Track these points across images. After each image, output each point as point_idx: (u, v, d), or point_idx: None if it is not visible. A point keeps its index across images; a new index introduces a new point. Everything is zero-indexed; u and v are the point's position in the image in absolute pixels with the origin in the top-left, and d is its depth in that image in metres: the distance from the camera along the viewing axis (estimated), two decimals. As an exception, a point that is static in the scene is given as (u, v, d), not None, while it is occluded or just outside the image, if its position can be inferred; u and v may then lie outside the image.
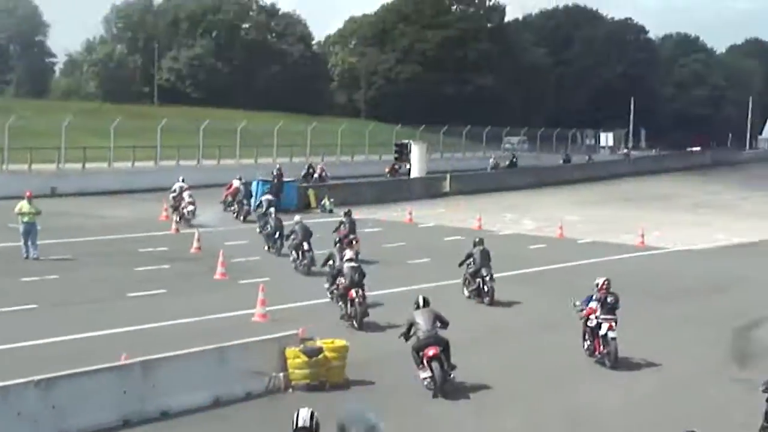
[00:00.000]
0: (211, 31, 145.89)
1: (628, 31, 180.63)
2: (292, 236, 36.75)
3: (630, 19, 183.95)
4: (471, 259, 32.77)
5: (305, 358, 21.46)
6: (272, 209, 43.38)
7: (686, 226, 57.83)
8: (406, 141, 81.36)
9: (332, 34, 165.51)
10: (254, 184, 57.62)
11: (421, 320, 22.07)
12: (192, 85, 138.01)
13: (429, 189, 72.11)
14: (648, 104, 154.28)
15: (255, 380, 21.06)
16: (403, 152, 79.02)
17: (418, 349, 21.86)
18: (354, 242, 37.20)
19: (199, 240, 40.75)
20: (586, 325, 24.77)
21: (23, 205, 37.38)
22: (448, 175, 76.03)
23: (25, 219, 37.03)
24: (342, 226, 39.03)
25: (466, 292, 32.96)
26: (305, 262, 36.33)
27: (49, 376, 17.90)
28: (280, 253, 40.12)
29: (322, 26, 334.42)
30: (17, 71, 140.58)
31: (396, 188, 70.19)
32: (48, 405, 17.57)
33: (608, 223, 58.34)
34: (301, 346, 21.79)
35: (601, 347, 24.25)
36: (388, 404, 20.21)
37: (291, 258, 37.04)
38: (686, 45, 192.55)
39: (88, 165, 70.30)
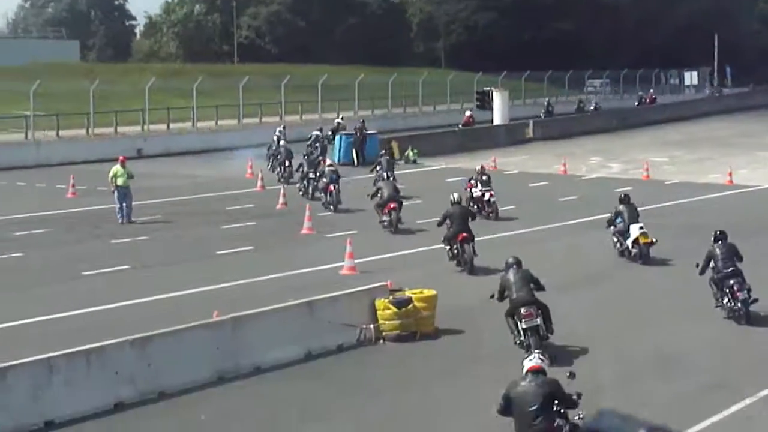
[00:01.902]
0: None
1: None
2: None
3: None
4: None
5: (395, 309, 21.54)
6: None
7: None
8: (488, 88, 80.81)
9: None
10: (337, 137, 57.80)
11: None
12: (271, 41, 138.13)
13: (512, 136, 71.71)
14: (733, 41, 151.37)
15: (346, 333, 21.17)
16: (484, 100, 78.53)
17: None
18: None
19: (284, 196, 40.92)
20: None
21: (117, 170, 37.38)
22: (531, 121, 75.59)
23: (119, 183, 37.11)
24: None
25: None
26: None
27: (144, 335, 18.17)
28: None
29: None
30: (99, 36, 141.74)
31: (479, 136, 69.84)
32: (144, 363, 17.84)
33: (695, 164, 57.79)
34: (390, 297, 21.87)
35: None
36: (479, 352, 20.26)
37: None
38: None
39: (172, 126, 70.80)
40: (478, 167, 40.37)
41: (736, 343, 21.89)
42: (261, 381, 19.16)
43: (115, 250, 32.24)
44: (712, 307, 23.32)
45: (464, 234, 28.42)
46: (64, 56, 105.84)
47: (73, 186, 44.56)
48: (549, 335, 20.52)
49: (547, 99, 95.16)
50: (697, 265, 23.86)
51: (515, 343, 20.41)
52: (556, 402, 13.12)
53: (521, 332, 20.37)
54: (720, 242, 23.66)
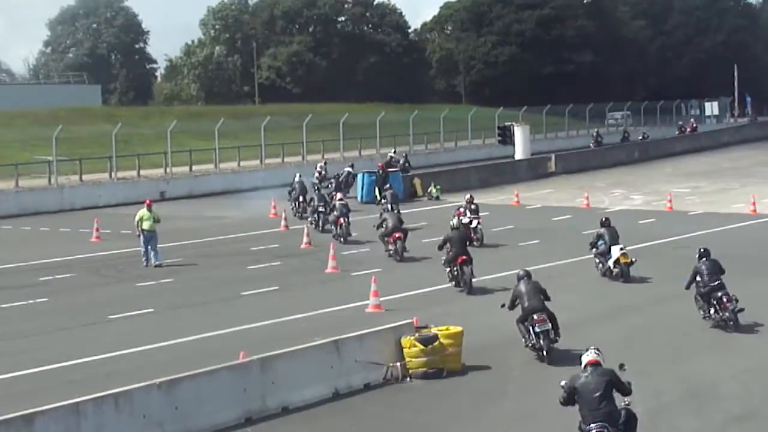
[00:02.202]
0: (307, 26, 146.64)
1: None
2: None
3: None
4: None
5: (421, 347, 21.49)
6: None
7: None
8: (509, 123, 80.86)
9: (428, 21, 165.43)
10: (360, 175, 57.91)
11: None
12: (292, 81, 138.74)
13: (534, 170, 71.77)
14: (752, 71, 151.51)
15: (373, 371, 21.13)
16: (506, 135, 78.59)
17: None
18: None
19: (308, 235, 40.99)
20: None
21: (143, 214, 37.34)
22: (552, 155, 75.63)
23: (145, 226, 37.03)
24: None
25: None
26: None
27: (171, 378, 18.15)
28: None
29: (418, 14, 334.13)
30: (120, 79, 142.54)
31: (501, 171, 69.91)
32: (171, 406, 17.82)
33: (718, 194, 57.65)
34: (417, 334, 21.83)
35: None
36: (506, 388, 20.18)
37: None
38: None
39: (194, 167, 71.04)
40: (468, 196, 42.55)
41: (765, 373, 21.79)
42: (289, 421, 19.13)
43: (141, 293, 32.29)
44: (740, 337, 23.29)
45: (463, 257, 30.78)
46: (86, 101, 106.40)
47: (97, 230, 44.70)
48: (557, 338, 22.81)
49: (596, 130, 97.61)
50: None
51: (526, 346, 22.86)
52: (615, 389, 15.48)
53: (533, 336, 22.68)
54: (705, 259, 25.67)
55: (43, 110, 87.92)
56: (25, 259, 39.21)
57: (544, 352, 22.45)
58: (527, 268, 24.37)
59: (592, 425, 17.25)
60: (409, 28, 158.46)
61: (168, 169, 67.77)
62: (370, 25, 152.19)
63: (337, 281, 33.57)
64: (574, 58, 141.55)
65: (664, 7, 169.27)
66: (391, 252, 36.78)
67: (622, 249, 32.32)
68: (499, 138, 79.71)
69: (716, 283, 24.99)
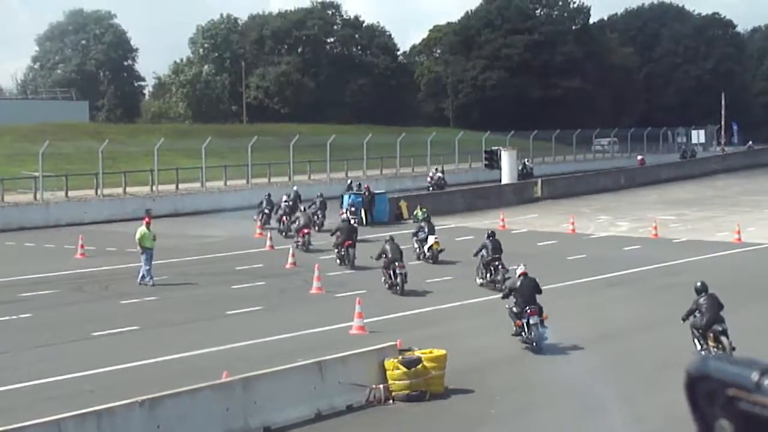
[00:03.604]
0: (296, 47, 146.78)
1: (716, 26, 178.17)
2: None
3: (717, 13, 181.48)
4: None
5: (404, 369, 21.49)
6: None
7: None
8: (496, 148, 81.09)
9: (417, 43, 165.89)
10: (345, 197, 57.93)
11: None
12: (280, 101, 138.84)
13: (520, 194, 71.90)
14: (739, 99, 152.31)
15: (355, 393, 21.13)
16: (492, 159, 78.79)
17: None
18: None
19: (293, 255, 40.99)
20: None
21: (143, 232, 37.12)
22: (539, 180, 75.82)
23: (147, 244, 36.87)
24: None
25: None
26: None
27: (153, 396, 18.13)
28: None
29: (407, 36, 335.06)
30: (108, 96, 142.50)
31: (487, 195, 70.02)
32: (153, 425, 17.79)
33: (703, 221, 57.79)
34: (400, 357, 21.83)
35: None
36: (488, 412, 20.18)
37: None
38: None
39: (180, 186, 70.99)
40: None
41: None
42: (270, 442, 19.10)
43: (125, 310, 32.24)
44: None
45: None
46: (73, 117, 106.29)
47: (82, 246, 44.64)
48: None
49: (641, 156, 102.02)
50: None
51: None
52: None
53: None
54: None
55: (30, 126, 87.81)
56: (9, 274, 39.11)
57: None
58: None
59: (527, 309, 25.97)
60: (398, 50, 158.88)
61: (154, 187, 67.75)
62: (359, 47, 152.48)
63: (322, 302, 33.56)
64: (562, 84, 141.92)
65: (653, 35, 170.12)
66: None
67: (435, 238, 41.72)
68: (486, 162, 79.92)
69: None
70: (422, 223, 44.20)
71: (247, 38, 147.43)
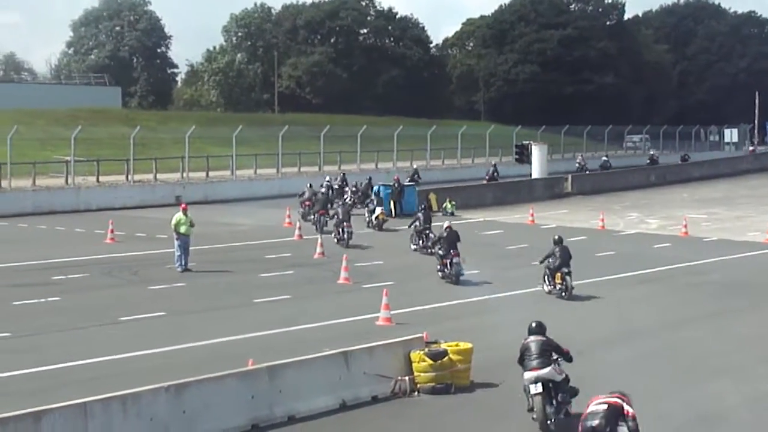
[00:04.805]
0: (329, 37, 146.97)
1: (752, 25, 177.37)
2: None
3: (753, 12, 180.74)
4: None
5: (430, 362, 21.45)
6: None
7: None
8: (527, 142, 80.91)
9: (450, 36, 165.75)
10: (376, 188, 57.91)
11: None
12: (312, 91, 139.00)
13: (550, 190, 71.74)
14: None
15: (381, 384, 21.11)
16: (523, 153, 78.62)
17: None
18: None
19: (322, 245, 41.01)
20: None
21: (180, 218, 37.04)
22: (569, 176, 75.66)
23: (182, 231, 36.85)
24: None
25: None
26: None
27: (179, 382, 18.14)
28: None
29: (440, 29, 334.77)
30: (140, 83, 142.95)
31: (517, 190, 69.90)
32: (179, 410, 17.80)
33: (734, 221, 57.50)
34: (426, 349, 21.79)
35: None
36: (513, 407, 20.13)
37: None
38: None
39: (211, 173, 71.13)
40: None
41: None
42: (295, 431, 19.10)
43: (153, 296, 32.32)
44: (753, 364, 23.19)
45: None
46: (106, 102, 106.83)
47: (112, 231, 44.83)
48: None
49: (685, 154, 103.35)
50: None
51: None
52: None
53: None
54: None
55: (63, 110, 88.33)
56: (39, 257, 39.35)
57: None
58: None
59: (451, 251, 34.05)
60: (431, 42, 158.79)
61: (184, 174, 67.90)
62: (391, 38, 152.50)
63: (349, 292, 33.56)
64: (595, 79, 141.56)
65: (688, 32, 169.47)
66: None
67: (382, 209, 50.76)
68: (517, 156, 79.75)
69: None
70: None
71: (280, 27, 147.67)
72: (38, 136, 74.91)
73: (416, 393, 21.37)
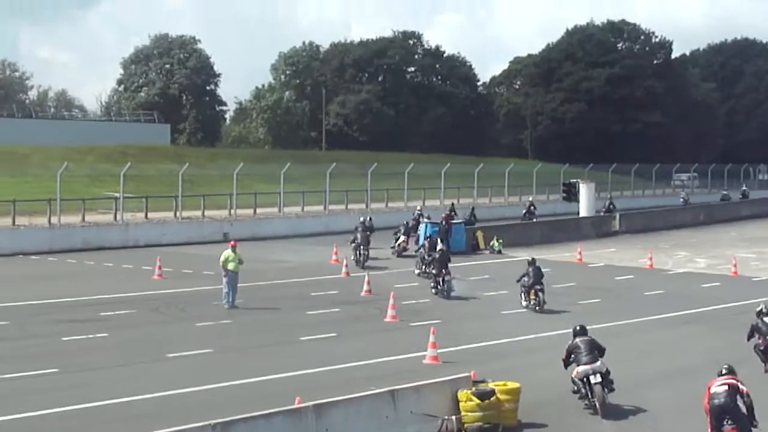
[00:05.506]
0: (377, 75, 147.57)
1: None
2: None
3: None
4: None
5: (477, 401, 21.35)
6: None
7: None
8: (574, 180, 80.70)
9: (497, 74, 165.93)
10: (422, 225, 57.87)
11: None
12: (359, 129, 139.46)
13: (598, 228, 71.45)
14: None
15: (427, 423, 21.02)
16: (571, 191, 78.40)
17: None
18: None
19: (369, 283, 41.00)
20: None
21: (228, 255, 37.29)
22: (617, 214, 75.38)
23: (230, 267, 37.04)
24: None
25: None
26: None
27: (226, 420, 18.13)
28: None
29: (487, 67, 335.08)
30: (189, 120, 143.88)
31: (565, 228, 69.67)
32: (225, 448, 17.80)
33: (784, 260, 57.04)
34: (474, 388, 21.70)
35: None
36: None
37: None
38: None
39: (258, 210, 71.32)
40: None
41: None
42: (341, 469, 19.04)
43: (200, 332, 32.40)
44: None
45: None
46: (155, 139, 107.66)
47: (160, 268, 45.02)
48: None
49: (745, 189, 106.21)
50: None
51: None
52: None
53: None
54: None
55: (112, 147, 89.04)
56: (88, 293, 39.57)
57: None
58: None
59: (443, 270, 36.90)
60: (478, 80, 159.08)
61: (232, 211, 68.15)
62: (439, 77, 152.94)
63: (396, 330, 33.50)
64: (642, 118, 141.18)
65: (735, 71, 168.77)
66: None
67: (404, 237, 55.76)
68: (564, 194, 79.51)
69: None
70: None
71: (328, 66, 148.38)
72: (88, 172, 75.51)
73: (463, 432, 21.28)
